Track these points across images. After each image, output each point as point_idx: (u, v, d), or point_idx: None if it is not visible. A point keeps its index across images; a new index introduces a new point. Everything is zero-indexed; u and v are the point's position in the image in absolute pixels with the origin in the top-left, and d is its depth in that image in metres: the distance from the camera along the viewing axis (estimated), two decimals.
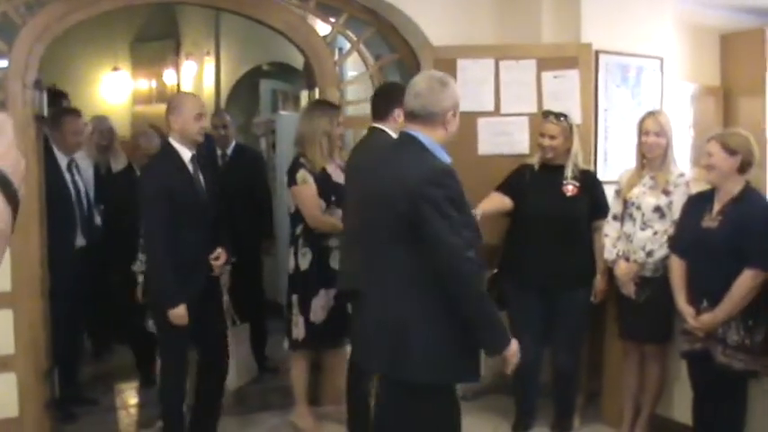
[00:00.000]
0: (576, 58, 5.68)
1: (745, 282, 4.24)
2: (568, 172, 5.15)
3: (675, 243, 4.65)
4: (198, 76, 10.99)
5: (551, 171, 5.19)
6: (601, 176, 5.47)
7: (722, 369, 4.35)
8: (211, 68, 10.55)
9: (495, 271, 5.35)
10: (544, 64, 5.71)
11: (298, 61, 8.29)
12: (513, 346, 3.42)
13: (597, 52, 5.82)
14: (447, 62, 5.73)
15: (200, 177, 4.73)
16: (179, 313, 4.50)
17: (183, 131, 4.63)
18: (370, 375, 4.60)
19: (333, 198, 5.13)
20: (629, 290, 4.91)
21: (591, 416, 5.59)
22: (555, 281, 5.18)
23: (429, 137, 3.39)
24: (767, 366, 4.34)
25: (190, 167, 4.67)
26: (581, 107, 5.67)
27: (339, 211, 5.08)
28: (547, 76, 5.70)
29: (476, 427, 5.45)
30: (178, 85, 11.24)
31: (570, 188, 5.12)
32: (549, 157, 5.18)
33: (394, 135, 4.48)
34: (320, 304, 5.17)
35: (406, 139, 3.45)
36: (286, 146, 7.77)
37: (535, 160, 5.31)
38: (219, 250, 4.80)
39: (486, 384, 6.14)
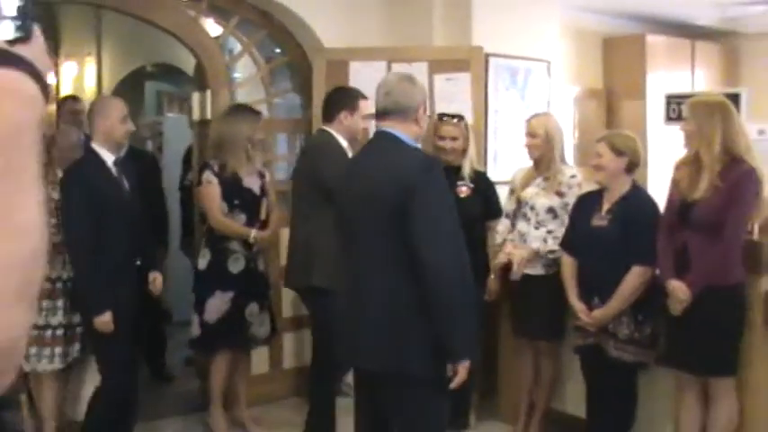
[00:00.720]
0: (468, 60, 5.75)
1: (634, 278, 4.37)
2: (465, 173, 5.20)
3: (566, 241, 4.75)
4: (78, 77, 10.73)
5: (450, 172, 5.23)
6: (491, 177, 5.54)
7: (614, 362, 4.47)
8: (93, 69, 10.32)
9: None
10: (436, 66, 5.75)
11: (183, 62, 8.18)
12: (467, 364, 3.34)
13: (487, 55, 5.90)
14: (339, 64, 5.75)
15: (125, 181, 4.65)
16: (104, 320, 4.37)
17: (109, 135, 4.57)
18: (338, 374, 4.86)
19: (236, 202, 5.09)
20: (519, 269, 4.97)
21: (487, 413, 5.64)
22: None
23: (404, 133, 3.46)
24: (655, 358, 4.49)
25: (113, 171, 4.59)
26: (472, 109, 5.74)
27: (243, 216, 5.10)
28: (439, 78, 5.75)
29: None
30: (57, 86, 10.94)
31: (464, 189, 5.17)
32: (449, 159, 5.22)
33: (338, 135, 4.88)
34: (214, 304, 5.08)
35: (385, 136, 3.50)
36: (173, 148, 7.67)
37: None
38: (154, 274, 4.91)
39: None
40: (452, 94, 5.71)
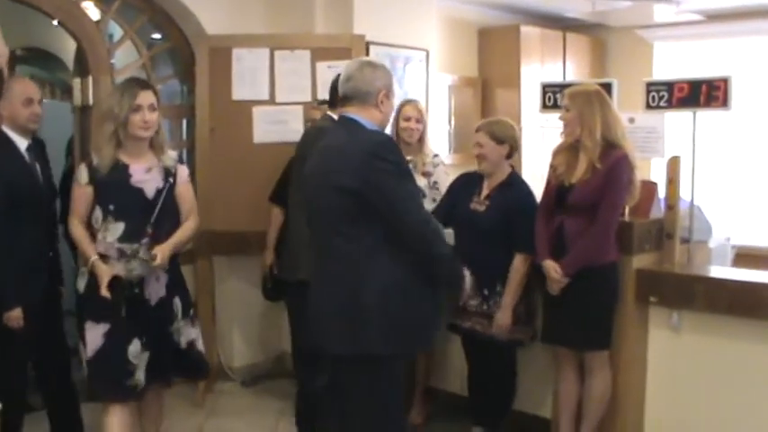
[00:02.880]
0: (350, 48, 5.84)
1: (518, 266, 4.56)
2: None
3: (440, 217, 4.78)
4: None
5: None
6: None
7: (490, 341, 4.65)
8: None
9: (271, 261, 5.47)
10: (318, 54, 5.84)
11: (56, 47, 8.05)
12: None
13: (368, 43, 6.02)
14: (222, 51, 5.79)
15: (38, 168, 4.43)
16: (15, 315, 4.15)
17: (13, 119, 4.32)
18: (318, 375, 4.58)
19: (111, 207, 4.03)
20: None
21: None
22: None
23: (366, 119, 3.51)
24: (533, 335, 4.70)
25: (26, 157, 4.37)
26: None
27: (120, 225, 4.02)
28: (321, 66, 5.83)
29: (261, 412, 5.58)
30: None
31: None
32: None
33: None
34: (89, 338, 4.05)
35: (344, 121, 3.55)
36: (50, 136, 7.54)
37: None
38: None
39: (264, 369, 6.26)
40: None
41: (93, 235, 4.09)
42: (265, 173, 5.50)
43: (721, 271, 4.79)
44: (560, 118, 4.44)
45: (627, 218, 4.59)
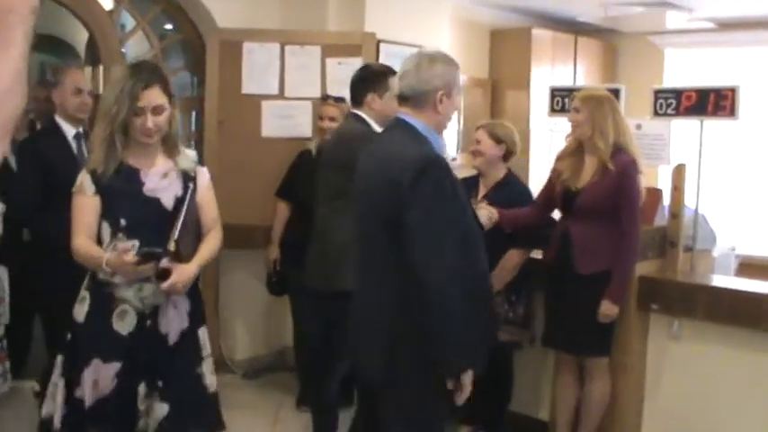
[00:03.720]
0: (360, 46, 5.86)
1: (512, 259, 4.59)
2: None
3: None
4: None
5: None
6: None
7: None
8: None
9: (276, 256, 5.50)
10: (329, 50, 5.86)
11: (68, 35, 8.06)
12: (470, 374, 3.06)
13: (379, 41, 6.03)
14: (233, 45, 5.81)
15: (86, 156, 4.23)
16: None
17: (64, 107, 4.47)
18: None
19: (123, 222, 3.32)
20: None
21: None
22: None
23: (421, 121, 3.12)
24: (532, 338, 4.72)
25: (73, 145, 4.47)
26: None
27: (129, 244, 3.30)
28: (331, 62, 5.85)
29: (260, 405, 5.60)
30: None
31: None
32: (327, 138, 5.33)
33: (370, 120, 4.31)
34: (91, 378, 3.31)
35: (398, 125, 3.18)
36: None
37: (313, 145, 5.45)
38: None
39: (266, 362, 6.28)
40: (344, 79, 5.77)
41: None
42: (272, 167, 5.53)
43: (723, 280, 4.80)
44: (569, 119, 4.45)
45: None
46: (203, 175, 3.54)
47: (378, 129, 4.25)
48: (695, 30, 8.66)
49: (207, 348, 3.53)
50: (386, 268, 3.09)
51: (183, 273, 3.29)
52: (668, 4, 7.80)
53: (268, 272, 5.59)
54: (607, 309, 4.28)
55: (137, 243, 3.28)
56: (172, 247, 3.27)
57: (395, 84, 3.24)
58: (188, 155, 3.51)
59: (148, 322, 3.33)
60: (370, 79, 4.38)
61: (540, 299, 4.66)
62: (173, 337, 3.39)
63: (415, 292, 2.93)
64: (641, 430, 4.71)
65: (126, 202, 3.33)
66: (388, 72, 4.38)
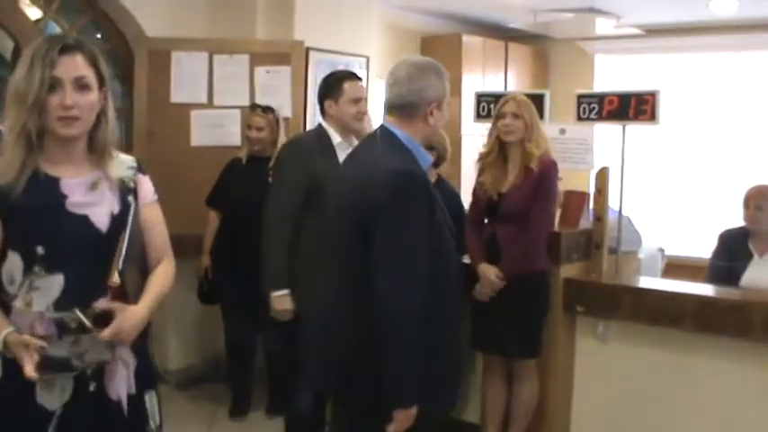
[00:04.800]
0: (289, 54, 5.88)
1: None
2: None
3: None
4: None
5: (259, 163, 5.33)
6: None
7: None
8: None
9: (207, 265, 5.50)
10: (257, 59, 5.86)
11: None
12: (413, 411, 2.82)
13: (308, 49, 6.05)
14: (162, 54, 5.79)
15: None
16: None
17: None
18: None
19: (40, 250, 2.40)
20: None
21: None
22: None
23: (407, 132, 2.96)
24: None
25: None
26: (292, 101, 5.88)
27: (57, 278, 2.41)
28: (260, 70, 5.86)
29: (193, 416, 5.56)
30: None
31: None
32: (256, 148, 5.36)
33: (330, 130, 4.33)
34: None
35: (382, 134, 3.00)
36: None
37: (243, 153, 5.47)
38: None
39: (199, 372, 6.25)
40: (273, 87, 5.83)
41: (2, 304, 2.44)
42: (202, 176, 5.51)
43: (646, 281, 4.87)
44: (508, 122, 4.45)
45: (556, 228, 4.67)
46: (146, 186, 2.70)
47: (336, 137, 4.32)
48: (623, 36, 8.80)
49: (156, 419, 2.71)
50: (356, 277, 2.86)
51: (130, 316, 2.45)
52: (596, 11, 7.92)
53: (199, 281, 5.57)
54: (485, 270, 4.40)
55: (61, 279, 2.41)
56: (116, 280, 2.47)
57: (385, 89, 3.02)
58: (123, 160, 2.63)
59: (92, 386, 2.47)
60: (327, 86, 4.42)
61: (467, 302, 4.70)
62: (125, 404, 2.56)
63: (374, 320, 2.76)
64: (570, 431, 4.77)
65: (43, 224, 2.42)
66: (345, 77, 4.44)
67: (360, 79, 4.51)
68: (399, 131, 2.95)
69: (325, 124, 4.39)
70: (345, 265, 2.94)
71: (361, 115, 4.38)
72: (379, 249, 2.75)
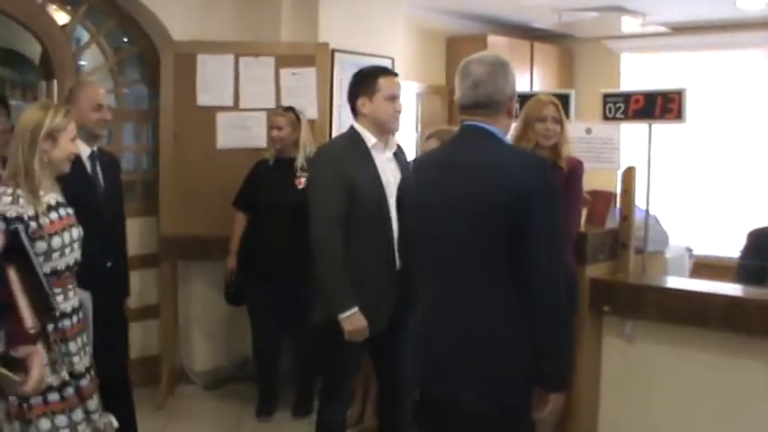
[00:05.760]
0: (314, 56, 5.88)
1: None
2: (298, 164, 5.33)
3: None
4: None
5: (285, 164, 5.36)
6: None
7: None
8: None
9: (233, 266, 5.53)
10: (283, 61, 5.86)
11: (27, 49, 8.02)
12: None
13: (333, 51, 6.06)
14: (187, 57, 5.81)
15: (100, 178, 4.36)
16: None
17: (79, 124, 3.96)
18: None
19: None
20: None
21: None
22: (291, 271, 5.27)
23: (497, 128, 2.96)
24: None
25: (88, 166, 4.31)
26: (317, 103, 5.88)
27: None
28: (285, 73, 5.87)
29: (220, 416, 5.61)
30: None
31: (303, 180, 5.28)
32: (277, 147, 5.40)
33: (363, 132, 4.03)
34: None
35: (477, 133, 2.96)
36: None
37: (270, 154, 5.49)
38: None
39: (227, 373, 6.28)
40: (298, 89, 5.84)
41: None
42: (229, 178, 5.54)
43: (673, 281, 4.86)
44: (547, 128, 4.43)
45: (583, 228, 4.67)
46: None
47: (370, 139, 4.01)
48: (649, 34, 8.76)
49: None
50: (498, 284, 2.86)
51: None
52: (621, 9, 7.88)
53: (226, 282, 5.60)
54: None
55: None
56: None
57: (463, 92, 2.98)
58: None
59: None
60: (359, 83, 4.07)
61: None
62: None
63: (533, 301, 2.81)
64: (597, 429, 4.76)
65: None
66: (380, 72, 4.13)
67: (396, 75, 4.18)
68: (492, 128, 2.95)
69: (357, 126, 4.06)
70: (476, 266, 2.88)
71: (398, 114, 4.06)
72: (541, 229, 2.79)
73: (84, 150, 4.29)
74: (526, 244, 2.77)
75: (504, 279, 2.84)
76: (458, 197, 2.91)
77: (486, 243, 2.85)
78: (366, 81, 4.04)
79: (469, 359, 2.90)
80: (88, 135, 4.33)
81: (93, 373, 3.49)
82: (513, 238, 2.78)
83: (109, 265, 4.45)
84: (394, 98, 4.03)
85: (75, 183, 4.02)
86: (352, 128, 4.11)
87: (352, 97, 4.07)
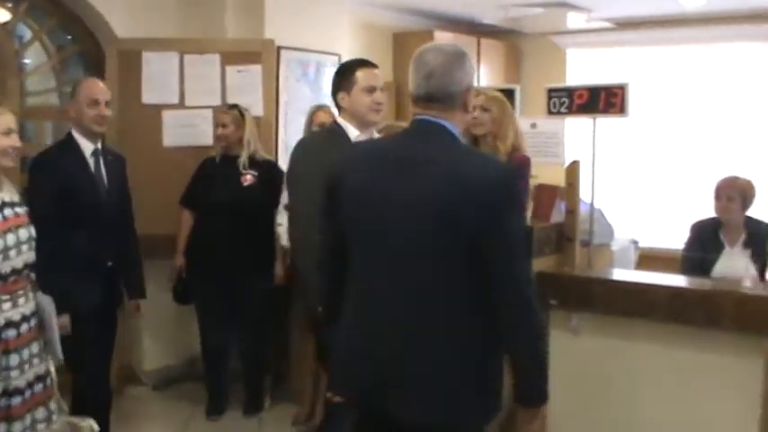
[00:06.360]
0: (260, 53, 5.88)
1: None
2: (242, 161, 5.34)
3: None
4: None
5: (231, 162, 5.36)
6: (282, 167, 5.68)
7: None
8: None
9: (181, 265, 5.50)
10: (228, 58, 5.86)
11: None
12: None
13: (279, 48, 6.06)
14: (132, 54, 5.78)
15: (104, 174, 4.35)
16: (61, 322, 3.76)
17: (78, 120, 4.26)
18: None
19: None
20: None
21: (280, 396, 5.82)
22: (237, 269, 5.32)
23: (452, 123, 2.75)
24: None
25: (90, 163, 4.29)
26: (263, 100, 5.88)
27: None
28: (231, 70, 5.86)
29: (170, 416, 5.58)
30: None
31: (248, 178, 5.30)
32: (222, 145, 5.41)
33: (346, 125, 3.89)
34: None
35: (434, 130, 2.75)
36: None
37: (216, 152, 5.50)
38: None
39: (176, 372, 6.25)
40: (244, 86, 5.83)
41: None
42: (175, 176, 5.51)
43: (619, 273, 4.90)
44: (474, 116, 4.45)
45: (528, 222, 4.70)
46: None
47: (354, 133, 3.87)
48: (594, 29, 8.83)
49: None
50: (457, 295, 2.66)
51: None
52: (567, 5, 7.93)
53: (173, 281, 5.57)
54: None
55: None
56: None
57: (417, 82, 2.75)
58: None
59: None
60: (338, 77, 3.97)
61: None
62: None
63: (507, 321, 2.65)
64: (546, 425, 4.78)
65: None
66: (358, 64, 3.98)
67: (375, 66, 4.01)
68: (448, 123, 2.74)
69: (340, 120, 3.95)
70: (441, 275, 2.66)
71: (378, 105, 3.92)
72: (510, 238, 2.61)
73: (87, 147, 4.31)
74: (494, 258, 2.59)
75: (464, 289, 2.64)
76: (418, 196, 2.65)
77: (447, 250, 2.63)
78: (344, 75, 3.94)
79: (421, 373, 2.69)
80: (87, 132, 4.32)
81: (50, 380, 3.45)
82: (476, 250, 2.58)
83: (109, 264, 4.41)
84: (372, 90, 3.89)
85: (76, 180, 4.11)
86: (334, 122, 4.06)
87: (333, 92, 3.97)
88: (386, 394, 2.73)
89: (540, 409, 2.86)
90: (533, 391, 2.82)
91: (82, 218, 4.11)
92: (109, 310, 4.50)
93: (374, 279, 2.77)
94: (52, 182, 4.14)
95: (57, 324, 3.54)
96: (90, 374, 4.37)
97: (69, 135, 4.36)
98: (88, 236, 4.11)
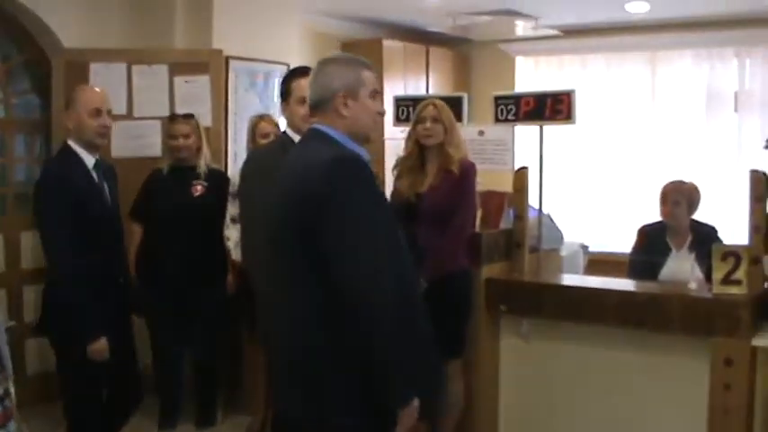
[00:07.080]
0: (208, 63, 5.88)
1: None
2: (201, 171, 5.33)
3: None
4: None
5: (181, 172, 5.34)
6: (230, 176, 5.66)
7: None
8: None
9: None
10: (176, 69, 5.85)
11: None
12: (415, 403, 2.67)
13: (228, 58, 6.05)
14: (79, 65, 5.73)
15: (106, 186, 4.19)
16: (99, 346, 3.80)
17: (77, 131, 4.03)
18: None
19: None
20: None
21: (234, 407, 5.77)
22: (188, 280, 5.28)
23: (333, 128, 2.81)
24: None
25: (95, 175, 4.10)
26: (212, 111, 5.88)
27: None
28: (179, 80, 5.85)
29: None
30: None
31: (199, 188, 5.28)
32: (183, 156, 5.34)
33: (292, 133, 3.88)
34: None
35: (309, 135, 2.89)
36: None
37: (165, 164, 5.45)
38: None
39: None
40: (193, 97, 5.82)
41: None
42: (124, 188, 5.43)
43: (568, 279, 4.97)
44: (426, 128, 4.49)
45: (477, 229, 4.73)
46: None
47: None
48: (542, 37, 8.90)
49: None
50: (306, 293, 2.69)
51: None
52: (513, 13, 7.99)
53: None
54: None
55: None
56: None
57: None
58: None
59: None
60: (281, 88, 4.01)
61: None
62: None
63: (349, 318, 2.59)
64: (498, 428, 4.82)
65: None
66: (293, 75, 3.99)
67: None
68: (325, 127, 2.82)
69: (288, 130, 3.94)
70: (292, 275, 2.72)
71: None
72: (338, 240, 2.59)
73: (89, 160, 4.10)
74: (329, 249, 2.60)
75: (311, 286, 2.66)
76: (273, 200, 2.80)
77: (288, 248, 2.71)
78: (283, 85, 3.98)
79: (292, 373, 2.76)
80: (88, 144, 4.11)
81: (9, 402, 3.38)
82: (311, 242, 2.61)
83: (121, 280, 4.32)
84: (304, 100, 3.57)
85: (84, 194, 3.94)
86: (284, 133, 4.02)
87: (280, 103, 4.01)
88: (278, 395, 2.90)
89: (402, 410, 2.65)
90: (385, 392, 2.65)
91: (95, 234, 3.95)
92: (122, 321, 4.36)
93: (264, 287, 2.93)
94: (66, 198, 3.93)
95: (4, 336, 3.44)
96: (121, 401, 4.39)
97: (68, 147, 4.12)
98: (101, 252, 3.97)
